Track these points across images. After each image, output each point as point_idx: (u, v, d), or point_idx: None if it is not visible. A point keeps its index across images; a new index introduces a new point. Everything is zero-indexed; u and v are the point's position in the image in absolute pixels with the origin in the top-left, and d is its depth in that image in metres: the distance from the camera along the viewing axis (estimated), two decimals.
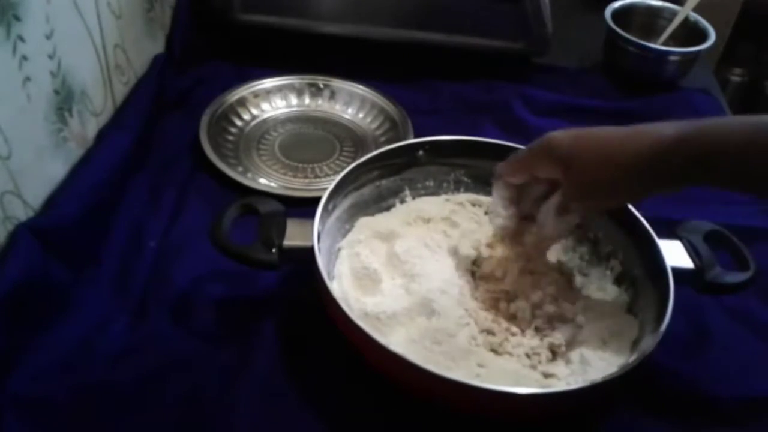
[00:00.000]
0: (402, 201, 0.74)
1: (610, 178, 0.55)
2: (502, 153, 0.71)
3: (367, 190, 0.71)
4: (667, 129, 0.53)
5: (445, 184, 0.75)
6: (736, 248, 0.66)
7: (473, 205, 0.74)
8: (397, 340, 0.60)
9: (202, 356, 0.61)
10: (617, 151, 0.55)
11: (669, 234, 0.66)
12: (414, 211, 0.72)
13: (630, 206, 0.66)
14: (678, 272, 0.61)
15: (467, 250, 0.68)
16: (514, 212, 0.64)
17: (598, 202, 0.59)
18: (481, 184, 0.74)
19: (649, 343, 0.56)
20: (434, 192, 0.75)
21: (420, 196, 0.74)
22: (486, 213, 0.73)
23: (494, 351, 0.61)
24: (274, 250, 0.61)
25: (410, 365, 0.52)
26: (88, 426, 0.55)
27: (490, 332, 0.62)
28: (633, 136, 0.55)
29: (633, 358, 0.57)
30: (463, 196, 0.75)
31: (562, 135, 0.58)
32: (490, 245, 0.68)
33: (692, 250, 0.65)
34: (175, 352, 0.61)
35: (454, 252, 0.68)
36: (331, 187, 0.66)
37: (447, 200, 0.74)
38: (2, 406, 0.54)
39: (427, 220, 0.71)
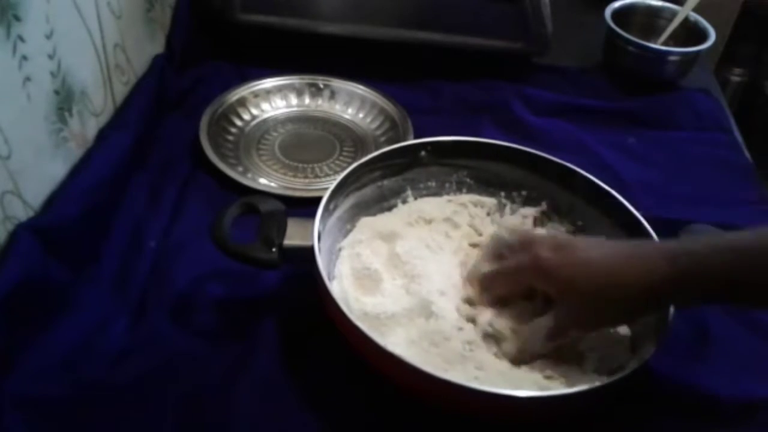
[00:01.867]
0: (404, 201, 0.74)
1: (608, 312, 0.57)
2: (504, 154, 0.71)
3: (368, 190, 0.71)
4: (658, 262, 0.54)
5: (447, 185, 0.75)
6: None
7: (475, 206, 0.74)
8: (396, 341, 0.60)
9: (202, 356, 0.61)
10: (615, 287, 0.55)
11: (671, 236, 0.66)
12: (416, 211, 0.72)
13: (631, 207, 0.66)
14: None
15: (468, 252, 0.68)
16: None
17: (591, 329, 0.60)
18: (484, 185, 0.74)
19: (649, 346, 0.56)
20: (436, 193, 0.75)
21: (422, 196, 0.74)
22: (488, 214, 0.73)
23: (492, 353, 0.60)
24: (274, 250, 0.61)
25: (408, 366, 0.52)
26: (88, 426, 0.55)
27: (487, 335, 0.61)
28: (628, 269, 0.55)
29: (633, 360, 0.57)
30: (466, 197, 0.74)
31: (552, 255, 0.57)
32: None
33: None
34: (175, 352, 0.61)
35: (455, 253, 0.68)
36: (332, 186, 0.66)
37: (449, 201, 0.74)
38: (2, 406, 0.54)
39: (429, 221, 0.71)
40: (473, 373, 0.58)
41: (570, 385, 0.57)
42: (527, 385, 0.57)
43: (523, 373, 0.59)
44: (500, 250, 0.63)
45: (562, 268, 0.57)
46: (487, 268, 0.63)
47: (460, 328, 0.61)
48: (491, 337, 0.61)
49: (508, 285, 0.62)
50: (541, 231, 0.70)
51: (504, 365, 0.59)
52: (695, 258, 0.53)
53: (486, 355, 0.60)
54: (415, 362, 0.52)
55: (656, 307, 0.58)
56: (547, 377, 0.58)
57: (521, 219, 0.72)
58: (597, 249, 0.57)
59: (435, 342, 0.59)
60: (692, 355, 0.65)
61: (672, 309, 0.58)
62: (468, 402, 0.54)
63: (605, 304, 0.56)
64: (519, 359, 0.60)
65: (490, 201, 0.74)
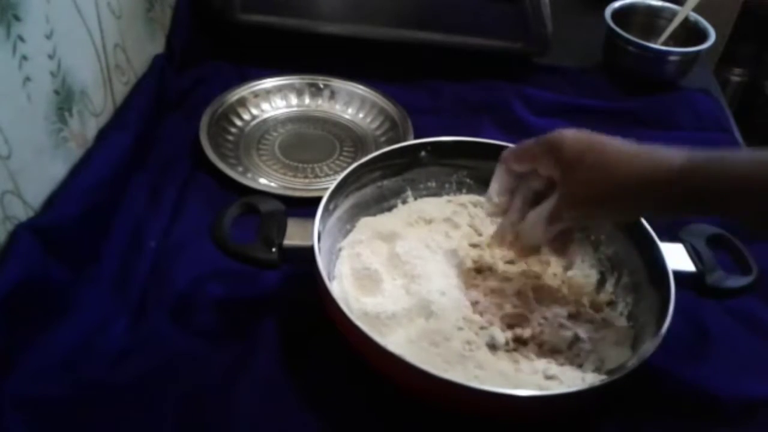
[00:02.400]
0: (404, 201, 0.74)
1: (608, 193, 0.55)
2: None
3: (368, 191, 0.71)
4: (674, 156, 0.53)
5: (447, 185, 0.75)
6: (739, 252, 0.66)
7: (475, 206, 0.74)
8: (396, 341, 0.60)
9: (202, 356, 0.61)
10: (621, 168, 0.54)
11: (671, 237, 0.66)
12: (416, 211, 0.72)
13: None
14: (679, 275, 0.61)
15: (468, 252, 0.68)
16: (505, 202, 0.64)
17: (590, 214, 0.58)
18: (484, 185, 0.74)
19: (649, 345, 0.56)
20: (436, 193, 0.75)
21: (422, 196, 0.74)
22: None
23: (492, 353, 0.60)
24: (274, 250, 0.61)
25: (408, 366, 0.52)
26: (88, 425, 0.55)
27: (486, 335, 0.61)
28: (640, 157, 0.54)
29: (633, 360, 0.57)
30: (465, 198, 0.74)
31: (573, 137, 0.57)
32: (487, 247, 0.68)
33: (694, 254, 0.65)
34: (175, 352, 0.61)
35: (455, 253, 0.68)
36: (332, 186, 0.66)
37: (449, 201, 0.74)
38: (2, 406, 0.54)
39: (429, 221, 0.71)
40: (473, 372, 0.58)
41: (570, 384, 0.57)
42: (527, 384, 0.57)
43: (524, 373, 0.59)
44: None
45: (576, 142, 0.56)
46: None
47: (460, 328, 0.61)
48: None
49: (525, 158, 0.61)
50: None
51: (504, 365, 0.59)
52: (713, 157, 0.52)
53: (486, 355, 0.60)
54: (415, 362, 0.52)
55: (663, 200, 0.54)
56: (548, 377, 0.58)
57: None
58: (616, 139, 0.56)
59: (435, 342, 0.59)
60: (692, 355, 0.65)
61: (672, 303, 0.58)
62: (468, 402, 0.54)
63: (612, 186, 0.54)
64: (523, 253, 0.60)
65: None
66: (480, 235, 0.71)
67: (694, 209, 0.55)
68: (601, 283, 0.68)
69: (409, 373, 0.52)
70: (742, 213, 0.53)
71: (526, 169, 0.61)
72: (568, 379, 0.58)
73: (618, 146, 0.55)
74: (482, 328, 0.61)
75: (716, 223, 0.68)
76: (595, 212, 0.57)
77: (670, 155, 0.53)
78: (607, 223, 0.68)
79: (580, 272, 0.68)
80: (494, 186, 0.64)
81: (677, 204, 0.54)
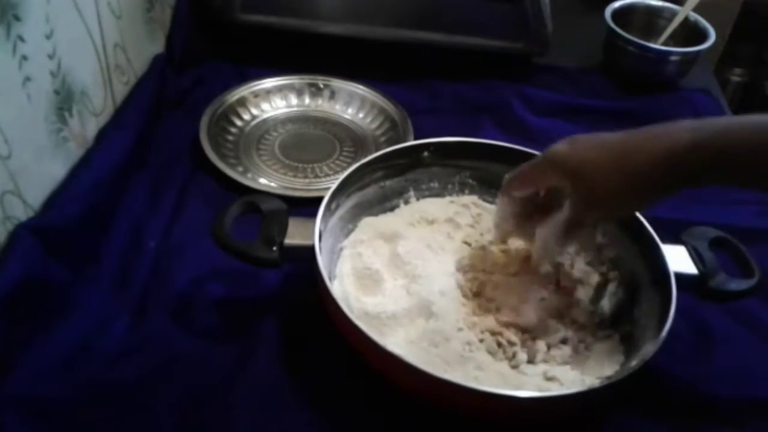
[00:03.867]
0: (406, 202, 0.74)
1: (623, 185, 0.53)
2: (508, 156, 0.71)
3: (371, 191, 0.71)
4: (680, 133, 0.52)
5: (449, 186, 0.75)
6: (742, 255, 0.66)
7: (477, 207, 0.74)
8: (396, 341, 0.60)
9: (202, 356, 0.61)
10: (628, 157, 0.53)
11: (674, 239, 0.66)
12: (418, 212, 0.72)
13: None
14: (681, 278, 0.61)
15: (470, 253, 0.68)
16: (512, 226, 0.64)
17: (610, 211, 0.57)
18: (486, 186, 0.74)
19: (649, 347, 0.56)
20: (439, 193, 0.75)
21: (424, 197, 0.74)
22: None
23: (491, 354, 0.60)
24: (275, 248, 0.61)
25: (408, 366, 0.52)
26: (88, 426, 0.55)
27: (486, 337, 0.61)
28: (643, 141, 0.53)
29: (633, 360, 0.57)
30: (468, 198, 0.74)
31: (564, 146, 0.56)
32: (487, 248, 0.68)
33: (696, 256, 0.65)
34: (175, 352, 0.61)
35: (457, 254, 0.68)
36: (334, 186, 0.66)
37: (451, 202, 0.74)
38: (2, 406, 0.54)
39: (431, 222, 0.71)
40: (473, 373, 0.58)
41: (570, 385, 0.57)
42: (527, 385, 0.57)
43: (523, 374, 0.59)
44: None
45: (575, 152, 0.55)
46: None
47: (460, 329, 0.61)
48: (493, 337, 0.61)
49: (526, 183, 0.60)
50: None
51: (503, 366, 0.59)
52: (718, 128, 0.52)
53: (485, 356, 0.60)
54: (415, 362, 0.52)
55: (678, 179, 0.53)
56: (548, 378, 0.58)
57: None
58: (611, 133, 0.55)
59: (435, 342, 0.59)
60: (692, 355, 0.65)
61: (673, 305, 0.58)
62: (467, 402, 0.54)
63: (624, 178, 0.53)
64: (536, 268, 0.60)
65: (492, 208, 0.74)
66: (482, 235, 0.71)
67: (709, 181, 0.54)
68: (601, 285, 0.67)
69: (408, 373, 0.52)
70: (750, 176, 0.53)
71: (528, 192, 0.61)
72: (568, 381, 0.58)
73: (615, 138, 0.55)
74: (482, 332, 0.61)
75: (719, 225, 0.68)
76: (614, 208, 0.56)
77: (676, 133, 0.52)
78: (610, 225, 0.68)
79: (581, 271, 0.68)
80: (498, 216, 0.64)
81: (693, 178, 0.53)
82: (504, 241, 0.67)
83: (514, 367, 0.60)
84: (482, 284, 0.65)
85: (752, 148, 0.51)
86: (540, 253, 0.62)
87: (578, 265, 0.67)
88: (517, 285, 0.64)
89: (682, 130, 0.52)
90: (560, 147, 0.56)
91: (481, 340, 0.61)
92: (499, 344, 0.61)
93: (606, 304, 0.65)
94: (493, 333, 0.61)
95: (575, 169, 0.55)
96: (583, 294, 0.65)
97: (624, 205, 0.57)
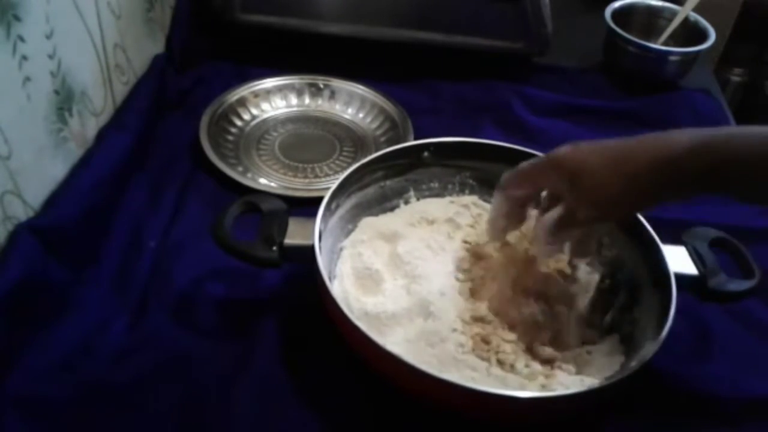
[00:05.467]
0: (406, 202, 0.74)
1: (621, 187, 0.54)
2: (508, 156, 0.71)
3: (371, 191, 0.71)
4: (679, 138, 0.52)
5: (450, 186, 0.75)
6: (742, 255, 0.66)
7: (477, 207, 0.74)
8: (395, 341, 0.60)
9: (202, 356, 0.61)
10: (628, 160, 0.53)
11: (674, 239, 0.66)
12: (418, 212, 0.72)
13: None
14: (681, 278, 0.61)
15: (470, 253, 0.68)
16: (507, 226, 0.63)
17: (605, 213, 0.57)
18: (487, 186, 0.74)
19: (649, 347, 0.56)
20: (439, 193, 0.75)
21: (424, 197, 0.74)
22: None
23: (482, 359, 0.60)
24: (274, 248, 0.61)
25: (407, 366, 0.52)
26: (88, 425, 0.55)
27: (481, 339, 0.61)
28: (644, 145, 0.54)
29: (633, 360, 0.57)
30: (468, 198, 0.74)
31: (567, 148, 0.56)
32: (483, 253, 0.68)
33: (696, 257, 0.64)
34: (175, 352, 0.61)
35: (457, 254, 0.68)
36: (334, 186, 0.66)
37: (451, 202, 0.74)
38: (2, 406, 0.54)
39: (431, 222, 0.71)
40: (469, 374, 0.58)
41: (570, 385, 0.57)
42: (527, 385, 0.57)
43: (519, 374, 0.59)
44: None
45: (575, 154, 0.56)
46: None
47: (454, 329, 0.60)
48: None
49: (526, 182, 0.60)
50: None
51: (495, 369, 0.59)
52: (719, 137, 0.52)
53: (476, 359, 0.59)
54: (413, 362, 0.52)
55: (675, 185, 0.53)
56: (547, 375, 0.58)
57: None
58: (613, 139, 0.56)
59: (431, 342, 0.59)
60: (692, 354, 0.65)
61: (673, 306, 0.58)
62: (468, 402, 0.54)
63: (622, 181, 0.53)
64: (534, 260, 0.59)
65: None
66: (482, 235, 0.71)
67: (707, 189, 0.54)
68: (602, 288, 0.67)
69: (408, 373, 0.52)
70: (748, 189, 0.53)
71: (527, 192, 0.61)
72: (568, 381, 0.58)
73: (616, 142, 0.55)
74: (472, 337, 0.61)
75: (719, 225, 0.68)
76: (610, 209, 0.56)
77: (674, 138, 0.53)
78: (609, 225, 0.67)
79: (583, 275, 0.68)
80: (493, 213, 0.64)
81: (690, 185, 0.53)
82: (498, 240, 0.66)
83: (507, 371, 0.59)
84: (479, 287, 0.65)
85: (752, 157, 0.51)
86: (538, 244, 0.61)
87: (578, 272, 0.67)
88: (510, 298, 0.64)
89: (683, 136, 0.52)
90: (562, 149, 0.57)
91: (473, 348, 0.60)
92: (488, 348, 0.60)
93: (609, 317, 0.65)
94: (485, 341, 0.61)
95: (575, 170, 0.55)
96: (582, 302, 0.65)
97: (620, 207, 0.56)
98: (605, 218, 0.58)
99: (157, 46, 0.91)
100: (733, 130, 0.54)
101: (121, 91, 0.81)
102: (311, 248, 0.59)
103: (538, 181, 0.59)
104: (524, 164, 0.60)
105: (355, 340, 0.56)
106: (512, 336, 0.61)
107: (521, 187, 0.61)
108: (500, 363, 0.59)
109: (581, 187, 0.55)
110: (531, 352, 0.61)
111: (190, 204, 0.75)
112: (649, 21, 1.06)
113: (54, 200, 0.67)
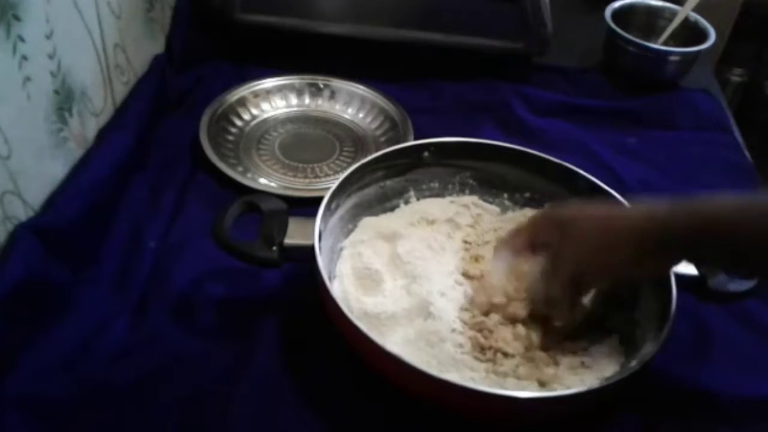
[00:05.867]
0: (406, 202, 0.74)
1: (604, 245, 0.56)
2: (508, 156, 0.71)
3: (371, 191, 0.71)
4: (659, 205, 0.55)
5: (450, 186, 0.75)
6: None
7: (478, 207, 0.74)
8: (395, 341, 0.60)
9: (202, 356, 0.61)
10: (614, 219, 0.57)
11: None
12: (418, 212, 0.72)
13: None
14: (681, 278, 0.61)
15: (470, 253, 0.68)
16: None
17: (587, 267, 0.58)
18: (487, 186, 0.74)
19: (650, 348, 0.56)
20: (439, 193, 0.75)
21: (425, 197, 0.74)
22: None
23: (481, 359, 0.60)
24: (274, 248, 0.61)
25: (407, 366, 0.52)
26: (88, 425, 0.55)
27: (481, 340, 0.61)
28: (630, 210, 0.59)
29: (633, 360, 0.57)
30: (468, 198, 0.74)
31: (561, 208, 0.61)
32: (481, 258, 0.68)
33: None
34: (175, 352, 0.61)
35: (457, 254, 0.68)
36: (334, 186, 0.66)
37: (452, 202, 0.74)
38: (3, 405, 0.54)
39: (431, 222, 0.71)
40: (468, 374, 0.58)
41: (570, 385, 0.57)
42: (526, 386, 0.57)
43: (518, 376, 0.59)
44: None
45: (568, 211, 0.60)
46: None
47: (453, 330, 0.60)
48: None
49: (522, 233, 0.63)
50: None
51: (495, 368, 0.59)
52: (699, 203, 0.53)
53: (473, 359, 0.59)
54: (412, 362, 0.52)
55: (659, 248, 0.54)
56: (547, 376, 0.58)
57: (523, 220, 0.71)
58: (610, 203, 0.62)
59: (431, 342, 0.59)
60: (692, 355, 0.65)
61: (673, 306, 0.58)
62: (468, 402, 0.54)
63: (604, 237, 0.56)
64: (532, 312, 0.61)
65: (492, 208, 0.74)
66: (482, 236, 0.71)
67: (685, 256, 0.57)
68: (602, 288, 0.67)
69: (408, 373, 0.52)
70: (725, 259, 0.55)
71: (524, 244, 0.63)
72: (568, 381, 0.58)
73: (608, 205, 0.61)
74: (470, 338, 0.61)
75: None
76: (591, 264, 0.58)
77: (655, 205, 0.55)
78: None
79: None
80: (493, 272, 0.64)
81: (668, 252, 0.55)
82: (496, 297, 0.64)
83: (506, 371, 0.59)
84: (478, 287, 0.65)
85: (730, 229, 0.52)
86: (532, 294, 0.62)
87: None
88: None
89: (663, 202, 0.55)
90: (560, 208, 0.61)
91: (473, 348, 0.60)
92: (488, 349, 0.60)
93: (609, 317, 0.64)
94: (485, 341, 0.61)
95: (566, 222, 0.58)
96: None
97: (605, 261, 0.57)
98: (585, 272, 0.59)
99: (157, 46, 0.91)
100: (711, 197, 0.55)
101: (121, 91, 0.82)
102: (311, 248, 0.59)
103: (533, 232, 0.62)
104: (514, 228, 0.65)
105: (355, 340, 0.56)
106: (512, 336, 0.61)
107: (518, 237, 0.63)
108: (500, 363, 0.59)
109: (569, 238, 0.57)
110: (531, 352, 0.61)
111: (190, 204, 0.75)
112: (649, 21, 1.06)
113: (54, 200, 0.67)
